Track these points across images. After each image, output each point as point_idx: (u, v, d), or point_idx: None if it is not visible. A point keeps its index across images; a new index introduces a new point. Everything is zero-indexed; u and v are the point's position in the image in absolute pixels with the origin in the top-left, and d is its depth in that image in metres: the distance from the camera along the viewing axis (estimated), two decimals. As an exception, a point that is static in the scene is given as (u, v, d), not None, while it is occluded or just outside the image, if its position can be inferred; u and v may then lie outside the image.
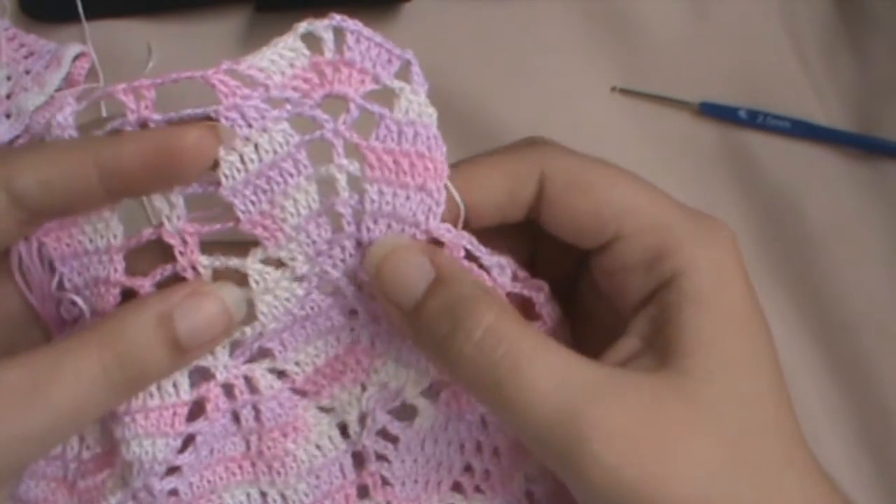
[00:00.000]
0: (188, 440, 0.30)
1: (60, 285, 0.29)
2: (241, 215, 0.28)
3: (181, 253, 0.28)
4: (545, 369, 0.25)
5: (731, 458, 0.26)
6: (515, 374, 0.26)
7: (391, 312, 0.29)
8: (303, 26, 0.28)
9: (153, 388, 0.29)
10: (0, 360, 0.26)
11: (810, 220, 0.43)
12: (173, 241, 0.28)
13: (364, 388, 0.31)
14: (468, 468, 0.32)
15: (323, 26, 0.28)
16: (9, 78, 0.45)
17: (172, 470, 0.31)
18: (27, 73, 0.45)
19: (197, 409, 0.30)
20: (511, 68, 0.45)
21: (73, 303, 0.29)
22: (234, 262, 0.29)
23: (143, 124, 0.27)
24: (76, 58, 0.45)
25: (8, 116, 0.45)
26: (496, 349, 0.26)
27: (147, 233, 0.28)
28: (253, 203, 0.28)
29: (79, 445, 0.32)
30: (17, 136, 0.45)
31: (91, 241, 0.28)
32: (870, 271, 0.43)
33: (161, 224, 0.28)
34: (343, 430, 0.32)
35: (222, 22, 0.46)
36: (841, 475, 0.40)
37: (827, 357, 0.42)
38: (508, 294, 0.30)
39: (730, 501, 0.25)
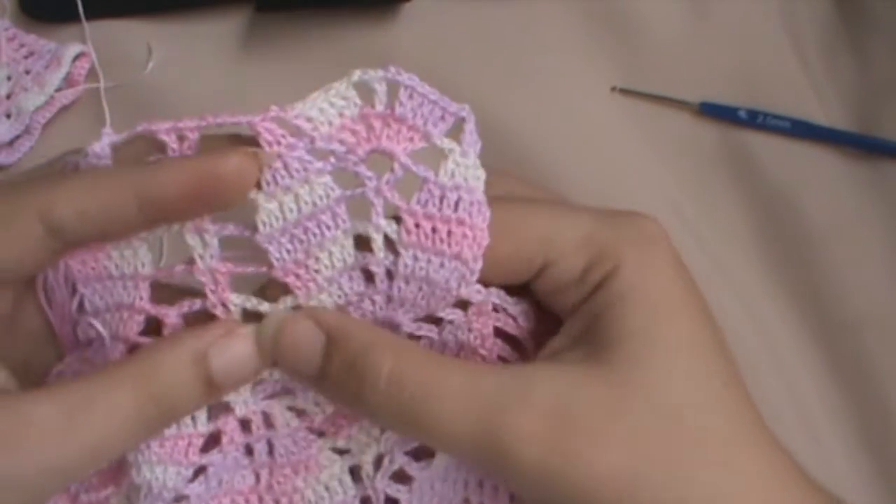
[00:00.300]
0: (199, 470, 0.30)
1: (80, 307, 0.29)
2: (275, 262, 0.28)
3: (212, 291, 0.28)
4: (452, 395, 0.26)
5: (669, 437, 0.26)
6: (427, 409, 0.26)
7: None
8: (357, 74, 0.27)
9: None
10: (32, 392, 0.26)
11: (810, 220, 0.43)
12: (204, 278, 0.28)
13: (383, 429, 0.31)
14: (465, 501, 0.32)
15: (377, 77, 0.27)
16: (9, 78, 0.45)
17: (180, 498, 0.30)
18: (27, 73, 0.45)
19: (211, 440, 0.30)
20: (511, 68, 0.45)
21: (91, 325, 0.29)
22: (265, 306, 0.29)
23: None
24: (76, 58, 0.45)
25: (8, 116, 0.45)
26: (403, 392, 0.26)
27: (179, 268, 0.28)
28: (288, 252, 0.28)
29: None
30: (18, 136, 0.45)
31: (117, 266, 0.28)
32: (870, 271, 0.43)
33: (193, 261, 0.28)
34: (355, 473, 0.32)
35: (222, 22, 0.46)
36: (841, 475, 0.40)
37: (827, 357, 0.42)
38: (533, 336, 0.30)
39: (661, 477, 0.25)
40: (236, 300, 0.28)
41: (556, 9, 0.46)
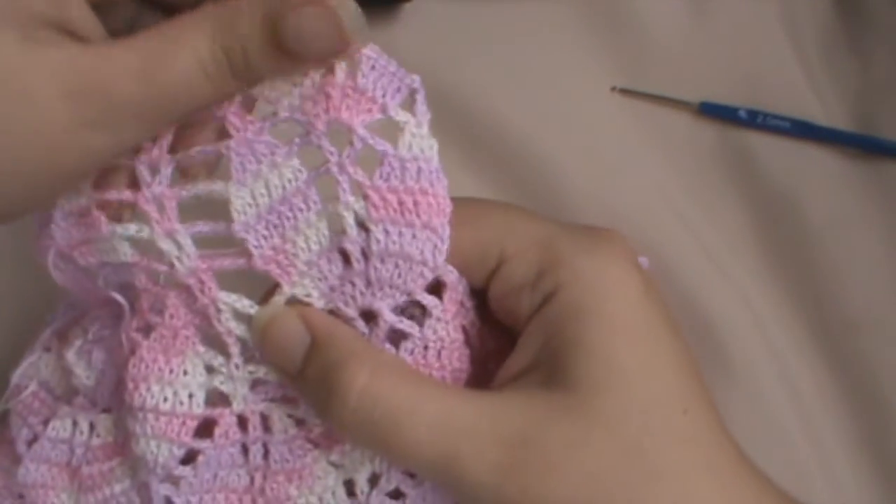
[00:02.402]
0: (192, 455, 0.31)
1: (105, 282, 0.30)
2: (253, 251, 0.28)
3: (200, 291, 0.28)
4: (422, 421, 0.26)
5: (627, 471, 0.25)
6: (395, 431, 0.26)
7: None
8: None
9: (168, 393, 0.29)
10: (113, 40, 0.26)
11: (810, 220, 0.43)
12: (189, 280, 0.28)
13: None
14: None
15: None
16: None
17: (173, 479, 0.31)
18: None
19: (209, 428, 0.31)
20: (511, 68, 0.45)
21: (114, 297, 0.30)
22: (255, 309, 0.29)
23: (153, 168, 0.27)
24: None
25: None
26: (373, 411, 0.26)
27: (162, 268, 0.28)
28: (265, 238, 0.28)
29: (89, 432, 0.32)
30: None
31: (108, 256, 0.29)
32: (870, 271, 0.42)
33: (172, 265, 0.28)
34: (349, 486, 0.32)
35: (222, 22, 0.46)
36: (841, 475, 0.40)
37: (827, 356, 0.42)
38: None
39: None
40: (226, 299, 0.28)
41: (556, 9, 0.46)
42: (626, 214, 0.43)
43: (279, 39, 0.25)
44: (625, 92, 0.45)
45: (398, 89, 0.28)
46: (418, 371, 0.29)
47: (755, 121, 0.44)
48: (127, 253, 0.28)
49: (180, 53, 0.25)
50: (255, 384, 0.30)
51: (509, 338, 0.31)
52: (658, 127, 0.45)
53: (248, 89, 0.27)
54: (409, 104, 0.28)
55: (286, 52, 0.25)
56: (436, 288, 0.29)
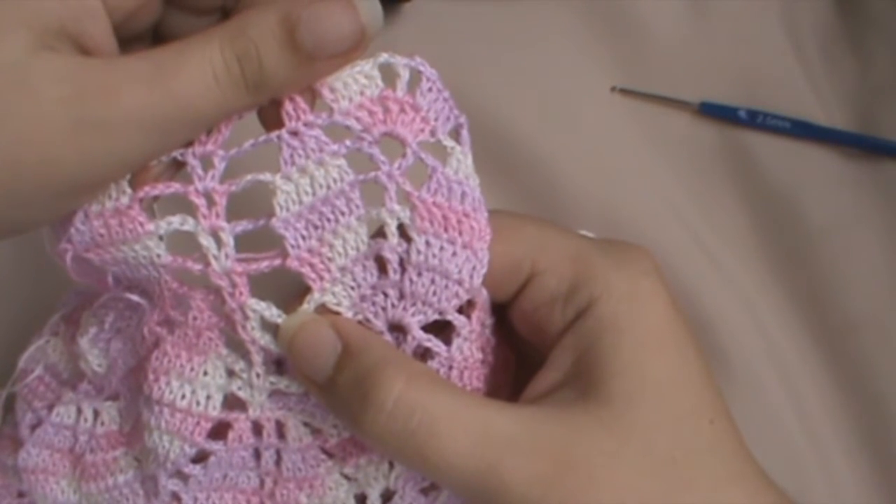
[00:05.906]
0: (203, 454, 0.30)
1: (115, 280, 0.29)
2: (290, 250, 0.28)
3: (230, 294, 0.28)
4: (462, 431, 0.26)
5: (662, 481, 0.26)
6: (433, 440, 0.26)
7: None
8: (383, 57, 0.27)
9: (187, 390, 0.29)
10: (127, 53, 0.26)
11: (810, 220, 0.43)
12: (221, 281, 0.28)
13: (392, 466, 0.31)
14: None
15: (402, 63, 0.27)
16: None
17: (182, 476, 0.31)
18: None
19: (222, 431, 0.30)
20: (511, 68, 0.45)
21: (128, 297, 0.29)
22: (283, 318, 0.28)
23: (206, 157, 0.27)
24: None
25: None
26: (411, 418, 0.26)
27: (196, 267, 0.28)
28: (303, 238, 0.28)
29: (93, 419, 0.32)
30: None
31: (133, 258, 0.28)
32: (870, 271, 0.43)
33: (207, 263, 0.28)
34: (361, 500, 0.31)
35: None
36: (841, 475, 0.40)
37: (827, 357, 0.42)
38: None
39: None
40: (255, 306, 0.28)
41: (556, 9, 0.46)
42: (625, 214, 0.43)
43: (295, 39, 0.25)
44: (625, 92, 0.45)
45: (448, 118, 0.28)
46: (453, 383, 0.29)
47: (755, 121, 0.44)
48: (161, 253, 0.28)
49: (190, 60, 0.25)
50: (273, 393, 0.30)
51: (514, 352, 0.31)
52: (658, 127, 0.45)
53: (264, 102, 0.27)
54: (453, 137, 0.28)
55: (302, 52, 0.25)
56: (462, 307, 0.29)
